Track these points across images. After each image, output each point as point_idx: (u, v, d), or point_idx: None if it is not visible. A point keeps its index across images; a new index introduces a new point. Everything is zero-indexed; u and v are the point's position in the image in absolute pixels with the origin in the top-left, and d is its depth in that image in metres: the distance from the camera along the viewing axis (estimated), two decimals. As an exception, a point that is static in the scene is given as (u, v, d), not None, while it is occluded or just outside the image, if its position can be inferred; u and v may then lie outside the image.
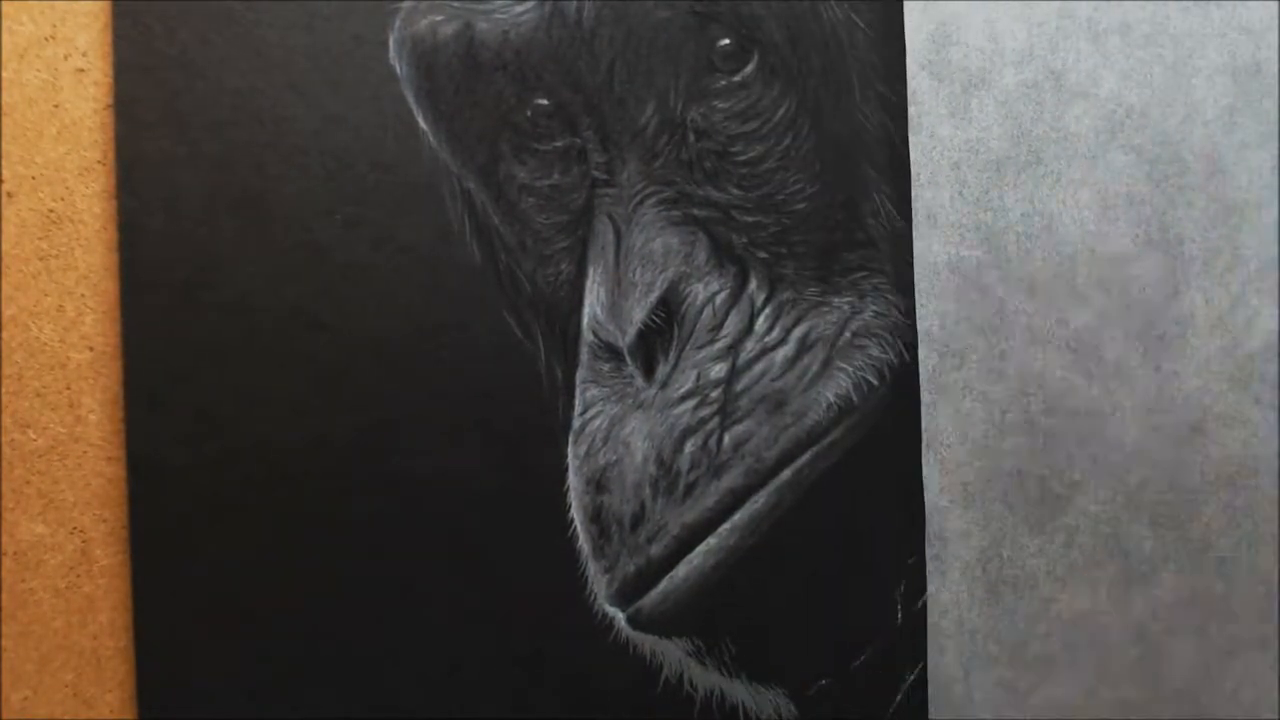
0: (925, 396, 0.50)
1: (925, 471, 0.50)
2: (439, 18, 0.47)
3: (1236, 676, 0.52)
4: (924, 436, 0.50)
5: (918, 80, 0.49)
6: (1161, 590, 0.51)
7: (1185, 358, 0.51)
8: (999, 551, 0.51)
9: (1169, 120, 0.51)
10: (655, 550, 0.48)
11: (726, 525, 0.48)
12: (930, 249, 0.50)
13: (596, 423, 0.48)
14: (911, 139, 0.49)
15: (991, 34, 0.50)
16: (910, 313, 0.50)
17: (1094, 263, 0.50)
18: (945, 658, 0.50)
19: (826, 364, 0.49)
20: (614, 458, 0.48)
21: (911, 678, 0.51)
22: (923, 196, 0.50)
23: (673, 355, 0.48)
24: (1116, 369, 0.51)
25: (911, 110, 0.49)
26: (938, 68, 0.49)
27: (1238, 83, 0.51)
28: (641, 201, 0.48)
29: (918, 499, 0.50)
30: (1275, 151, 0.51)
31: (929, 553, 0.50)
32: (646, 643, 0.49)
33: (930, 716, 0.49)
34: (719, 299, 0.49)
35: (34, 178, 0.44)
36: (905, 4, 0.49)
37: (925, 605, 0.50)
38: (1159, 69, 0.51)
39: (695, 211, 0.49)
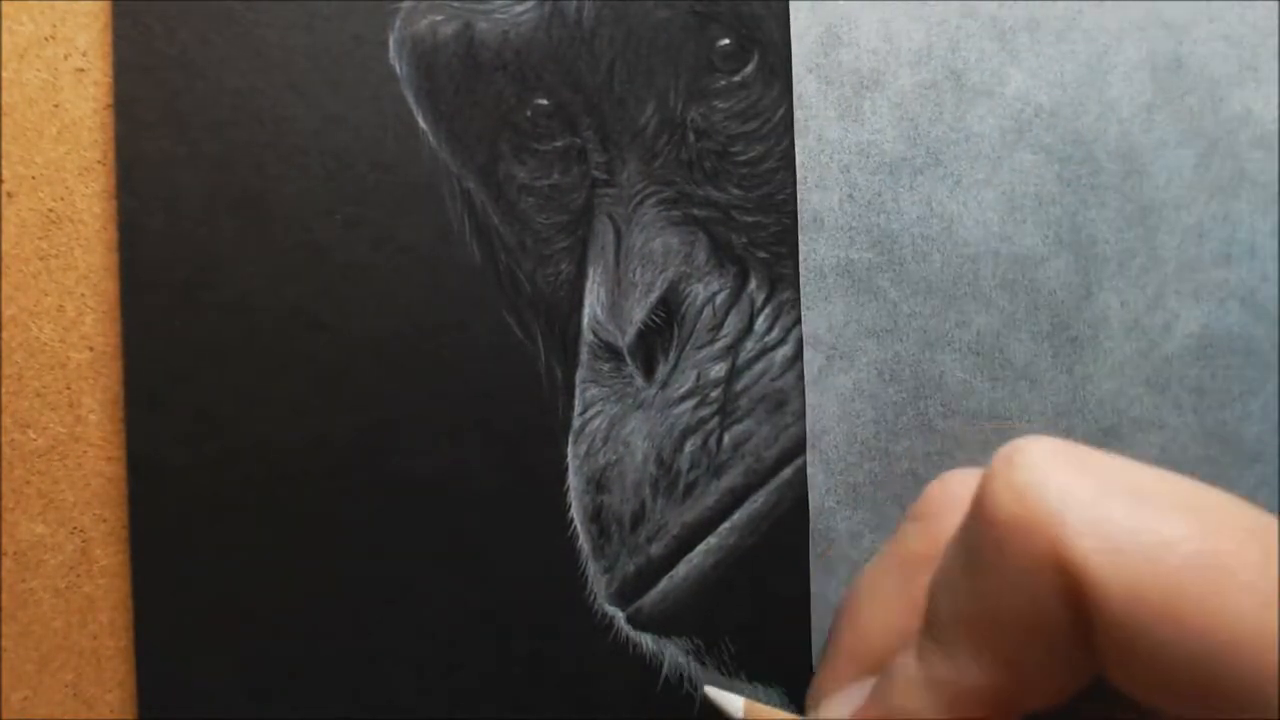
0: (810, 399, 0.49)
1: (810, 472, 0.49)
2: (439, 18, 0.47)
3: None
4: (809, 438, 0.49)
5: (804, 83, 0.48)
6: None
7: (1099, 361, 0.50)
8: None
9: (1082, 119, 0.50)
10: (655, 550, 0.48)
11: (726, 525, 0.48)
12: (816, 252, 0.48)
13: (596, 422, 0.48)
14: (798, 142, 0.48)
15: (886, 34, 0.49)
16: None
17: (999, 265, 0.49)
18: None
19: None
20: (614, 457, 0.48)
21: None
22: (809, 200, 0.49)
23: (673, 355, 0.48)
24: (1024, 372, 0.50)
25: (798, 114, 0.48)
26: (826, 70, 0.48)
27: (1157, 79, 0.50)
28: (641, 201, 0.49)
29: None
30: (1197, 150, 0.50)
31: (813, 552, 0.49)
32: (646, 642, 0.49)
33: None
34: (719, 299, 0.49)
35: (34, 178, 0.44)
36: (791, 5, 0.48)
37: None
38: (1071, 66, 0.49)
39: (695, 211, 0.49)
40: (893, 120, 0.49)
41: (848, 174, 0.48)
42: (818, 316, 0.49)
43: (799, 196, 0.49)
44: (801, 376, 0.49)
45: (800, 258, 0.49)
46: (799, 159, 0.49)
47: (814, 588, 0.49)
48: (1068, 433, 0.49)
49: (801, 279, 0.49)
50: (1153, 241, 0.50)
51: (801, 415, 0.49)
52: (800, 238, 0.48)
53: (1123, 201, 0.50)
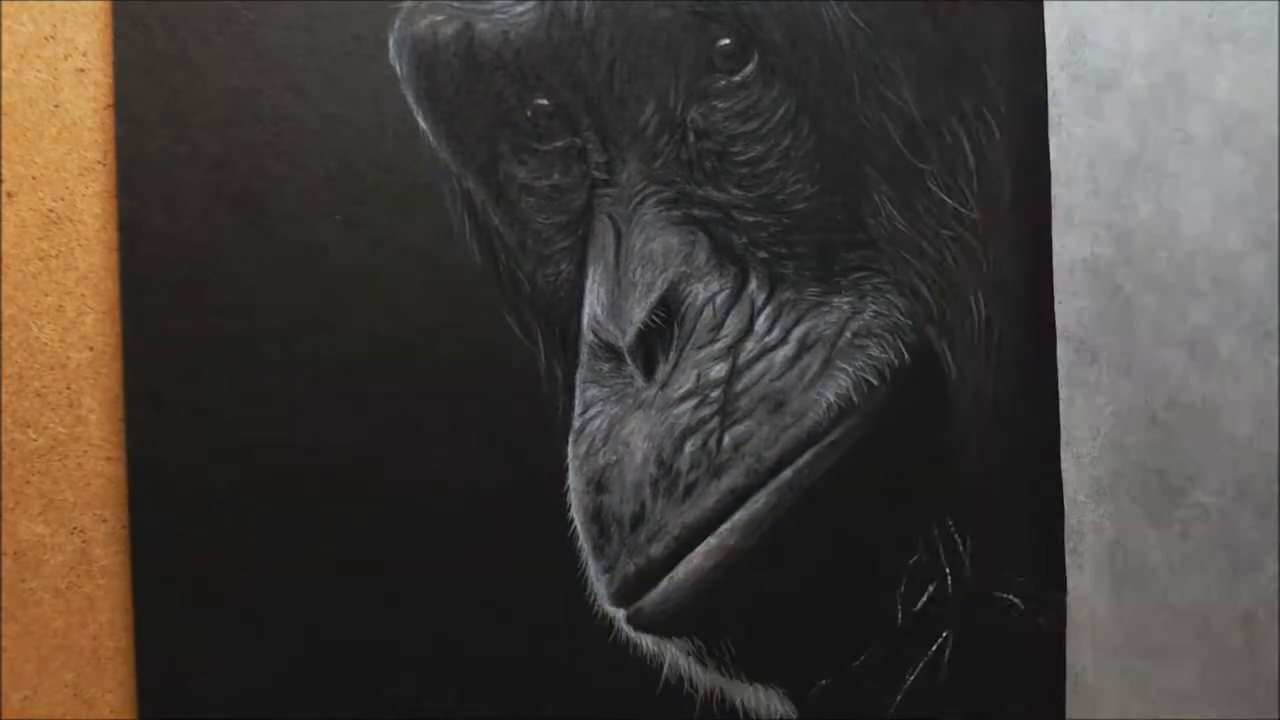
0: (1063, 393, 0.51)
1: (1064, 467, 0.52)
2: (439, 18, 0.47)
3: None
4: (1062, 433, 0.51)
5: (1057, 80, 0.51)
6: (1265, 578, 0.52)
7: None
8: (1125, 544, 0.53)
9: (1277, 124, 0.53)
10: (655, 550, 0.48)
11: (726, 525, 0.48)
12: (1066, 247, 0.51)
13: (596, 423, 0.48)
14: (1051, 139, 0.51)
15: (1121, 35, 0.52)
16: (911, 313, 0.50)
17: (1210, 261, 0.52)
18: (1079, 647, 0.52)
19: (826, 364, 0.49)
20: (614, 458, 0.48)
21: (912, 678, 0.51)
22: (1060, 195, 0.51)
23: (673, 355, 0.48)
24: (1229, 364, 0.53)
25: (1052, 110, 0.51)
26: (1075, 68, 0.51)
27: None
28: (641, 201, 0.48)
29: (926, 498, 0.51)
30: None
31: (1068, 547, 0.52)
32: (646, 643, 0.49)
33: (1065, 705, 0.52)
34: (719, 299, 0.49)
35: (34, 178, 0.44)
36: (1045, 4, 0.51)
37: (925, 603, 0.50)
38: (1270, 73, 0.52)
39: (695, 211, 0.49)
40: (1128, 119, 0.52)
41: (1092, 170, 0.51)
42: (1068, 311, 0.51)
43: (1053, 193, 0.51)
44: (802, 376, 0.49)
45: (1054, 252, 0.51)
46: (1053, 155, 0.51)
47: (1070, 583, 0.51)
48: (1263, 423, 0.52)
49: (1055, 274, 0.51)
50: None
51: (802, 415, 0.49)
52: (1054, 233, 0.51)
53: None
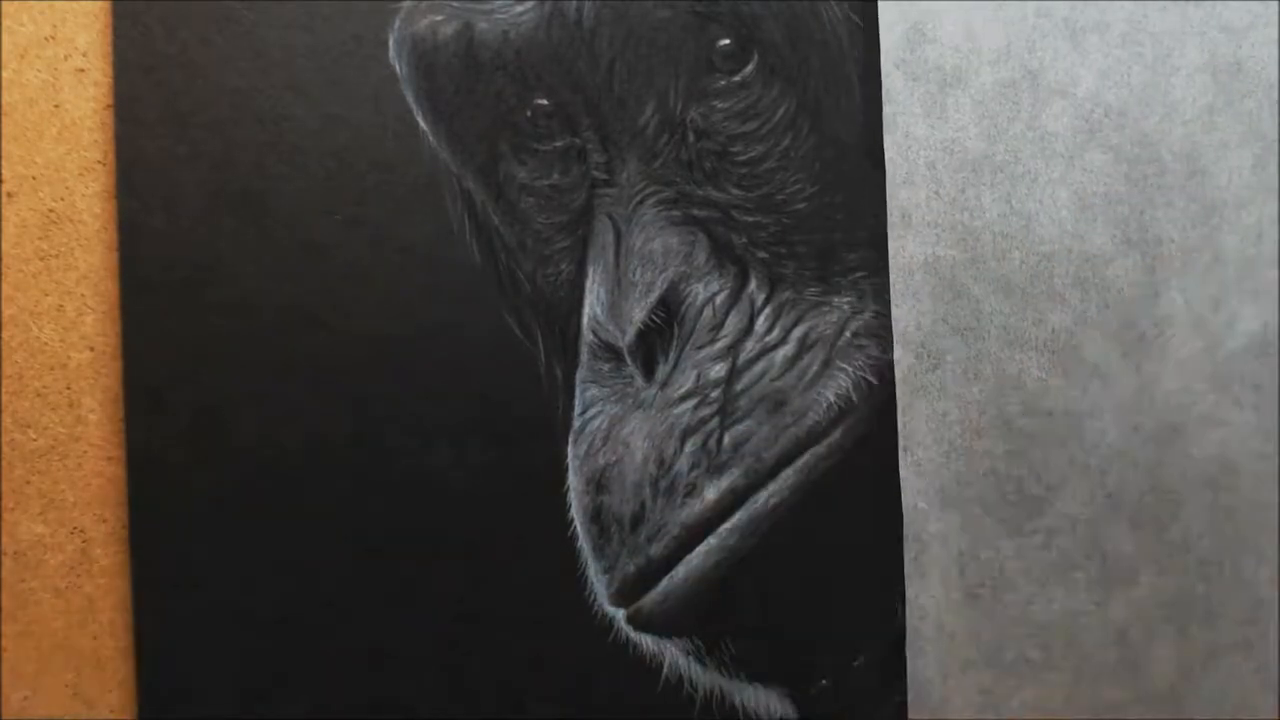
0: (901, 399, 0.49)
1: (903, 474, 0.49)
2: (439, 18, 0.47)
3: (1219, 679, 0.51)
4: (900, 440, 0.49)
5: (892, 79, 0.49)
6: (1141, 592, 0.51)
7: (1165, 358, 0.51)
8: (977, 554, 0.50)
9: (1148, 120, 0.51)
10: (655, 550, 0.48)
11: (726, 525, 0.48)
12: (905, 249, 0.49)
13: (596, 423, 0.48)
14: (887, 138, 0.49)
15: (968, 32, 0.50)
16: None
17: (1072, 263, 0.50)
18: (923, 661, 0.50)
19: (826, 364, 0.49)
20: (614, 458, 0.48)
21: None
22: (898, 196, 0.49)
23: (673, 355, 0.48)
24: (1095, 370, 0.51)
25: (887, 109, 0.49)
26: (912, 66, 0.49)
27: (1217, 82, 0.51)
28: (641, 201, 0.48)
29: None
30: (1255, 151, 0.51)
31: (907, 556, 0.50)
32: (646, 642, 0.49)
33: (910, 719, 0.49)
34: (719, 299, 0.49)
35: (34, 178, 0.44)
36: (879, 2, 0.49)
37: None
38: (1137, 68, 0.50)
39: (695, 211, 0.49)
40: (975, 118, 0.50)
41: (934, 171, 0.50)
42: (906, 315, 0.50)
43: (888, 193, 0.49)
44: (802, 376, 0.49)
45: (890, 255, 0.49)
46: (888, 155, 0.49)
47: (909, 592, 0.50)
48: (1135, 429, 0.50)
49: (891, 277, 0.49)
50: (1215, 241, 0.51)
51: (802, 415, 0.49)
52: (889, 235, 0.49)
53: (1187, 201, 0.51)
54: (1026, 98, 0.50)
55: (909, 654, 0.50)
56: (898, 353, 0.49)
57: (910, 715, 0.49)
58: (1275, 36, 0.51)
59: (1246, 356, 0.51)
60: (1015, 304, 0.50)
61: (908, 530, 0.50)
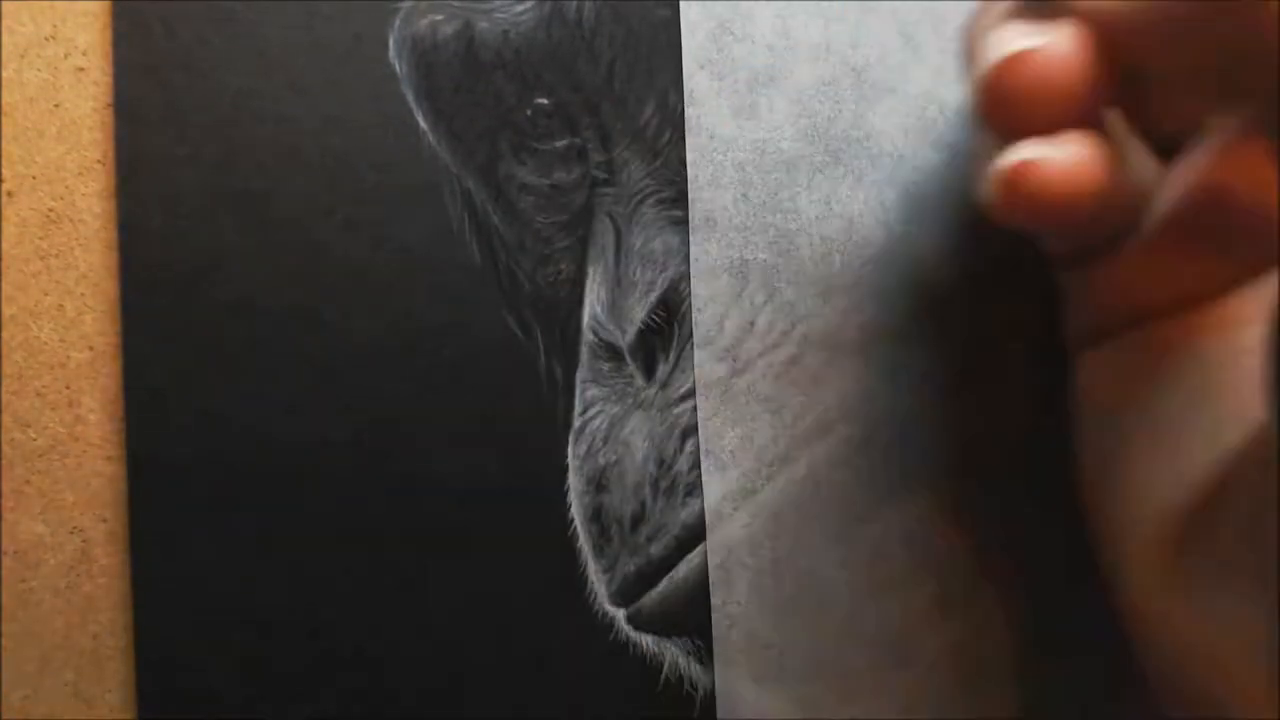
0: (702, 404, 0.47)
1: (705, 480, 0.47)
2: (439, 17, 0.47)
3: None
4: (702, 444, 0.47)
5: (695, 79, 0.47)
6: (985, 608, 0.49)
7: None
8: (795, 562, 0.48)
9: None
10: (655, 550, 0.48)
11: (727, 525, 0.48)
12: (708, 252, 0.47)
13: (596, 422, 0.48)
14: (689, 140, 0.47)
15: (783, 30, 0.47)
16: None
17: (897, 264, 0.48)
18: (732, 672, 0.48)
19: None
20: (614, 457, 0.48)
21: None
22: (700, 199, 0.47)
23: (673, 355, 0.48)
24: (926, 377, 0.49)
25: (689, 111, 0.47)
26: (719, 66, 0.47)
27: None
28: (642, 201, 0.48)
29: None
30: None
31: (711, 563, 0.47)
32: (646, 642, 0.49)
33: None
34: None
35: (34, 178, 0.44)
36: (681, 2, 0.47)
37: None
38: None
39: (695, 211, 0.49)
40: (790, 117, 0.47)
41: (743, 172, 0.47)
42: (709, 320, 0.47)
43: (690, 197, 0.47)
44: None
45: (691, 259, 0.47)
46: (689, 158, 0.47)
47: (715, 600, 0.48)
48: (975, 436, 0.48)
49: (693, 281, 0.47)
50: None
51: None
52: (691, 239, 0.47)
53: None
54: (849, 95, 0.48)
55: (716, 663, 0.48)
56: (699, 356, 0.47)
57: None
58: None
59: None
60: (835, 307, 0.48)
61: (710, 537, 0.48)
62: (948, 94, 0.48)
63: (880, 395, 0.47)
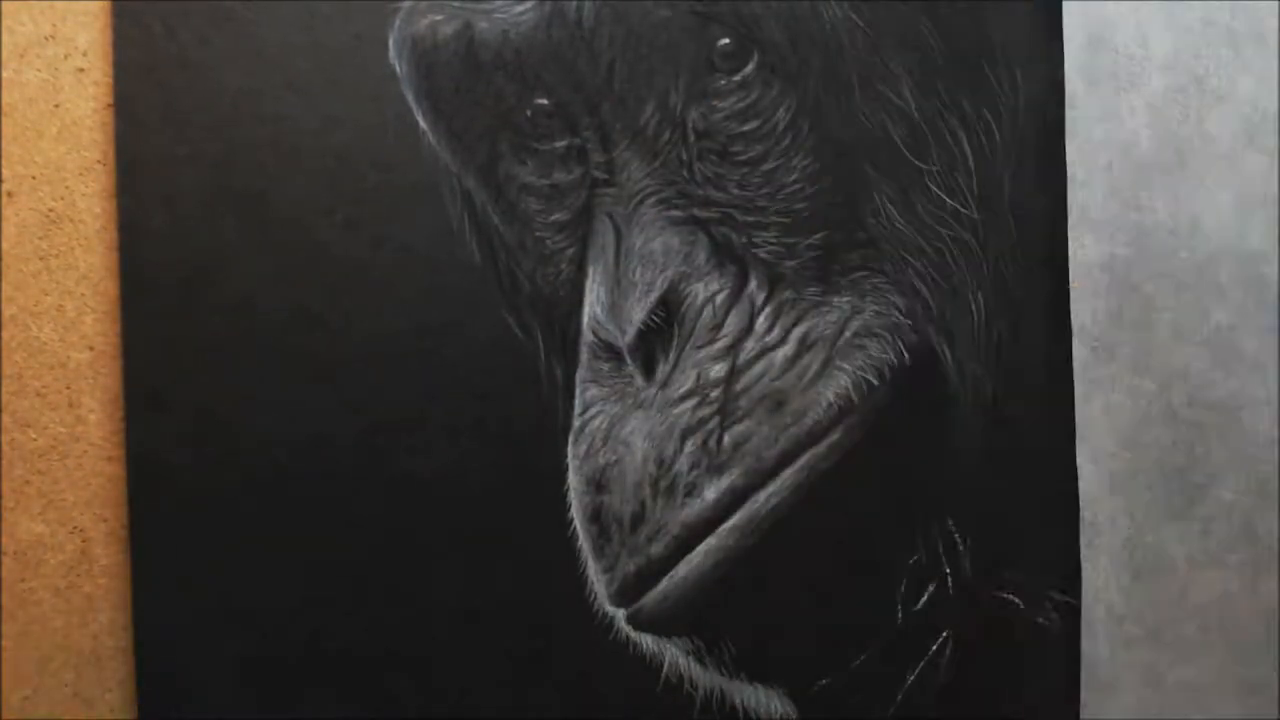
0: (1078, 389, 0.52)
1: (1079, 462, 0.52)
2: (439, 17, 0.47)
3: None
4: (1077, 429, 0.52)
5: (1074, 84, 0.52)
6: None
7: None
8: (1143, 539, 0.53)
9: None
10: (655, 550, 0.48)
11: (726, 525, 0.48)
12: (1084, 247, 0.52)
13: (596, 422, 0.48)
14: (1069, 143, 0.51)
15: (1141, 39, 0.53)
16: (911, 313, 0.50)
17: (1232, 261, 0.53)
18: (1095, 641, 0.53)
19: (826, 364, 0.49)
20: (614, 457, 0.48)
21: (912, 678, 0.51)
22: (1076, 197, 0.52)
23: (672, 355, 0.48)
24: (1253, 364, 0.54)
25: (1069, 114, 0.51)
26: (1091, 72, 0.52)
27: None
28: (641, 201, 0.48)
29: (926, 498, 0.50)
30: None
31: (1083, 540, 0.52)
32: (646, 642, 0.49)
33: (1080, 695, 0.52)
34: (719, 299, 0.49)
35: (34, 178, 0.44)
36: (1064, 5, 0.51)
37: (925, 603, 0.50)
38: None
39: (695, 211, 0.49)
40: (1147, 121, 0.52)
41: (1110, 172, 0.52)
42: (1084, 310, 0.52)
43: (1069, 194, 0.51)
44: (802, 376, 0.49)
45: (1069, 253, 0.51)
46: (1070, 158, 0.51)
47: (1084, 575, 0.52)
48: None
49: (1072, 273, 0.51)
50: None
51: (802, 415, 0.49)
52: (1070, 234, 0.51)
53: None
54: (1194, 102, 0.53)
55: (1083, 633, 0.52)
56: (1076, 346, 0.52)
57: (1082, 691, 0.52)
58: None
59: None
60: (1182, 300, 0.53)
61: (1083, 516, 0.52)
62: (1269, 102, 0.53)
63: (1216, 383, 0.53)
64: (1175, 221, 0.52)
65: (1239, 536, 0.53)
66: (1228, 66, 0.52)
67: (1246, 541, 0.53)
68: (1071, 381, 0.51)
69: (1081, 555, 0.51)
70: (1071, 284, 0.51)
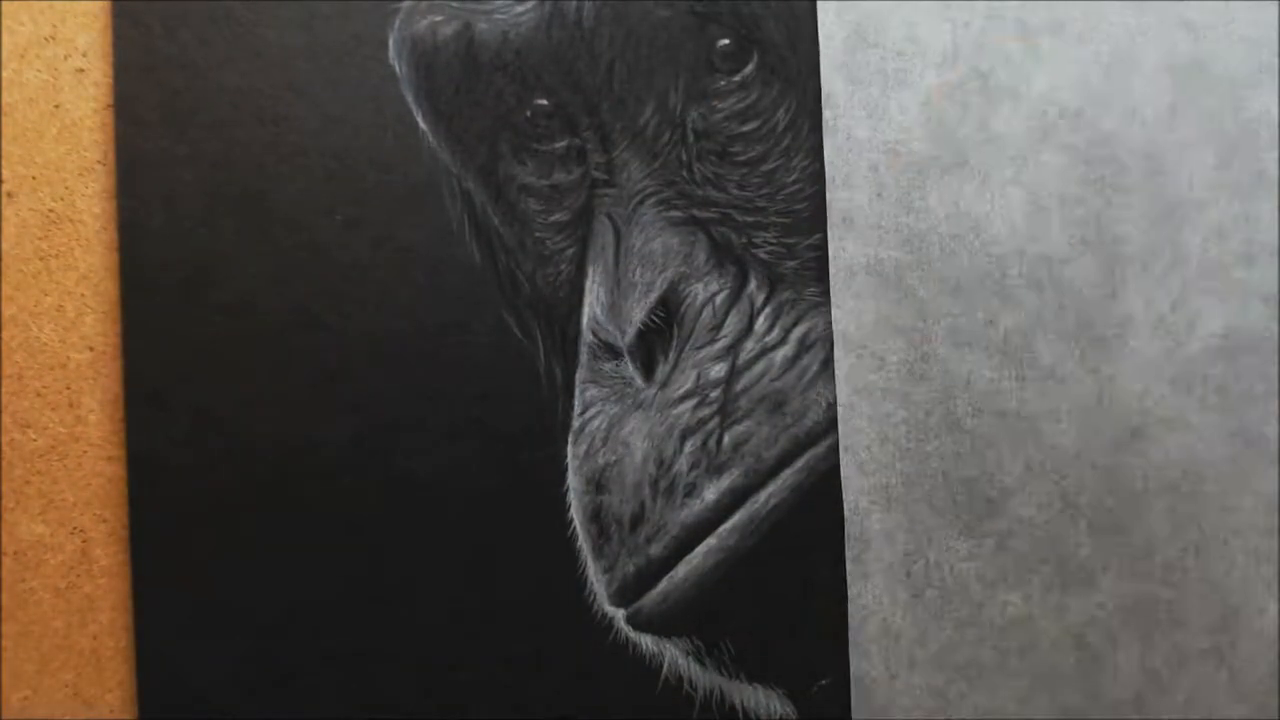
0: (841, 398, 0.49)
1: (844, 474, 0.49)
2: (439, 18, 0.47)
3: (1186, 687, 0.50)
4: (840, 440, 0.49)
5: (832, 83, 0.49)
6: (1102, 596, 0.50)
7: (1124, 360, 0.50)
8: (925, 555, 0.50)
9: (1105, 120, 0.50)
10: (655, 550, 0.48)
11: (726, 525, 0.48)
12: (846, 250, 0.49)
13: (596, 423, 0.48)
14: (826, 141, 0.49)
15: (911, 35, 0.49)
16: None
17: (1025, 264, 0.49)
18: (868, 662, 0.49)
19: (826, 364, 0.49)
20: (614, 458, 0.48)
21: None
22: (838, 198, 0.49)
23: (672, 355, 0.48)
24: (1051, 372, 0.50)
25: (826, 113, 0.49)
26: (853, 69, 0.49)
27: (1178, 81, 0.50)
28: (641, 201, 0.49)
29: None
30: (1218, 150, 0.50)
31: (849, 555, 0.49)
32: (646, 642, 0.49)
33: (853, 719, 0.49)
34: (719, 299, 0.49)
35: (34, 178, 0.44)
36: (818, 4, 0.49)
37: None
38: (1095, 68, 0.49)
39: (695, 211, 0.49)
40: (920, 119, 0.49)
41: (876, 173, 0.49)
42: (847, 315, 0.49)
43: (827, 196, 0.49)
44: (802, 377, 0.49)
45: (830, 256, 0.49)
46: (827, 158, 0.49)
47: (850, 590, 0.49)
48: (1095, 433, 0.50)
49: (831, 277, 0.49)
50: (1176, 241, 0.50)
51: (802, 416, 0.49)
52: (829, 235, 0.49)
53: (1146, 202, 0.50)
54: (975, 99, 0.49)
55: (851, 655, 0.49)
56: (838, 353, 0.49)
57: (854, 715, 0.49)
58: (1236, 33, 0.50)
59: (1209, 358, 0.50)
60: (964, 305, 0.49)
61: (849, 530, 0.49)
62: (1068, 97, 0.49)
63: (1007, 391, 0.49)
64: (954, 224, 0.49)
65: (1040, 555, 0.49)
66: (1016, 61, 0.49)
67: (1050, 560, 0.49)
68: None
69: (848, 570, 0.49)
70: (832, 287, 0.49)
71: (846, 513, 0.49)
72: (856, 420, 0.49)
